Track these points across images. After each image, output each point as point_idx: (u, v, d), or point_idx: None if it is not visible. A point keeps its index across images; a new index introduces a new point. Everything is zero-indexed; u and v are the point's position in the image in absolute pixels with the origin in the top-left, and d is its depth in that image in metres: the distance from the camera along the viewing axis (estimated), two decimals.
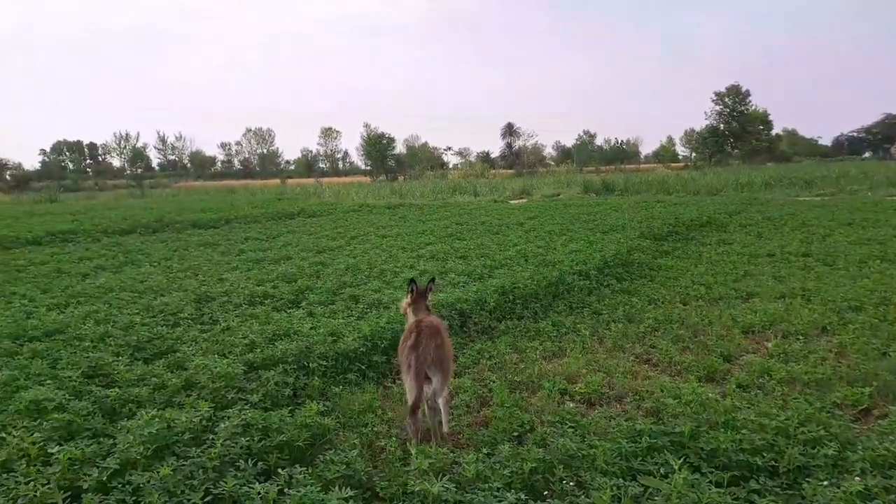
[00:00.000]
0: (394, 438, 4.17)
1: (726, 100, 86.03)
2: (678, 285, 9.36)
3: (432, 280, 5.02)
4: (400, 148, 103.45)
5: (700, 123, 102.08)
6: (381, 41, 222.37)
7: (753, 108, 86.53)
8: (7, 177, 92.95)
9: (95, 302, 8.23)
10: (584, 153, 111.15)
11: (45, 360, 5.66)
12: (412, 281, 4.90)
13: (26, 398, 4.51)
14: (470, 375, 5.69)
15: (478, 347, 6.42)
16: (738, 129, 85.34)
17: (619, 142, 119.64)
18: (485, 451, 3.94)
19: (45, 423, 4.18)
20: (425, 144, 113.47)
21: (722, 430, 4.03)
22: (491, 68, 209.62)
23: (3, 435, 3.98)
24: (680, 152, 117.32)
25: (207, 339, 6.34)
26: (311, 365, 5.53)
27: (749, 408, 4.61)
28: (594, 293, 8.92)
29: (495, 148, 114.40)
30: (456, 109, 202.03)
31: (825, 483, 3.40)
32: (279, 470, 3.55)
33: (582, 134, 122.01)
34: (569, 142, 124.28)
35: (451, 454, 3.86)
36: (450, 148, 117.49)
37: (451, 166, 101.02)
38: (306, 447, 4.04)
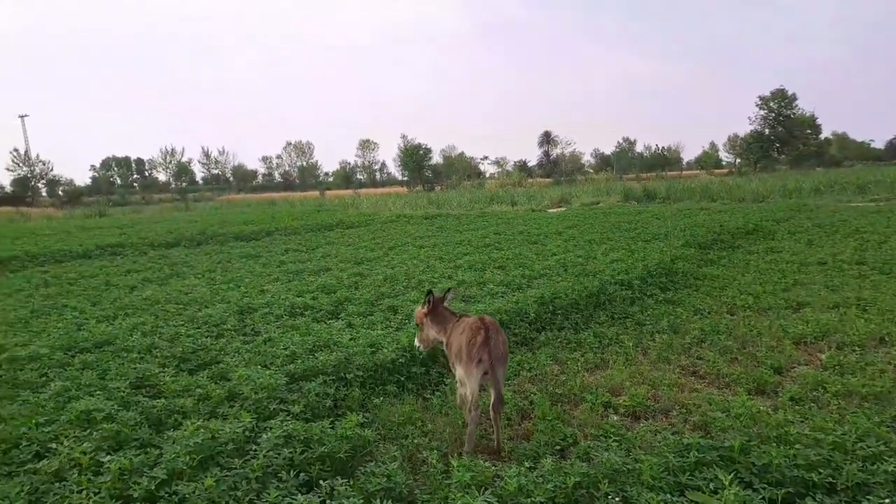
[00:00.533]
0: (435, 451, 4.14)
1: (771, 104, 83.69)
2: (724, 295, 9.10)
3: (448, 290, 5.29)
4: (436, 158, 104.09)
5: (744, 128, 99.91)
6: (418, 51, 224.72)
7: (800, 111, 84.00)
8: (60, 192, 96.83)
9: (142, 314, 8.45)
10: (623, 160, 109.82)
11: (95, 371, 5.83)
12: (429, 293, 5.09)
13: (77, 408, 4.65)
14: (510, 387, 5.62)
15: (517, 359, 6.35)
16: (785, 134, 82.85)
17: (660, 148, 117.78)
18: (527, 464, 3.87)
19: (95, 433, 4.30)
20: (462, 154, 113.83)
21: (774, 444, 3.87)
22: (528, 76, 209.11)
23: (56, 445, 4.10)
24: (724, 158, 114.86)
25: (250, 350, 6.42)
26: (350, 376, 5.55)
27: (803, 422, 4.43)
28: (637, 303, 8.74)
29: (533, 157, 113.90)
30: (493, 119, 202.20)
31: (886, 501, 3.24)
32: (321, 482, 3.56)
33: (621, 141, 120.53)
34: (608, 149, 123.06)
35: (493, 467, 3.80)
36: (486, 157, 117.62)
37: (487, 176, 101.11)
38: (347, 459, 4.04)
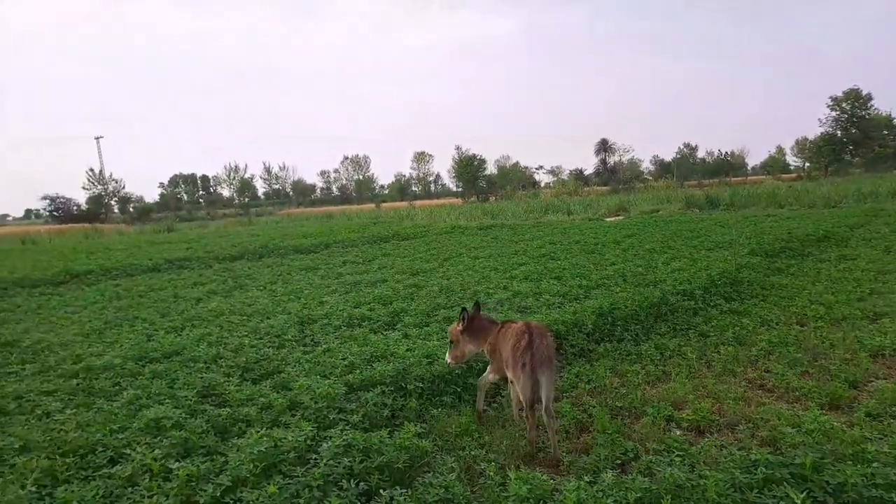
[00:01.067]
0: (492, 463, 4.12)
1: (844, 105, 79.78)
2: (794, 305, 8.71)
3: (476, 304, 5.42)
4: (491, 169, 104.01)
5: (814, 131, 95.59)
6: (473, 62, 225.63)
7: (876, 111, 79.74)
8: (130, 209, 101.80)
9: (208, 325, 8.76)
10: (684, 167, 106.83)
11: (164, 381, 6.08)
12: (464, 309, 5.26)
13: (148, 416, 4.87)
14: (568, 400, 5.54)
15: (575, 370, 6.25)
16: (859, 136, 78.77)
17: (723, 153, 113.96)
18: (586, 478, 3.80)
19: (164, 440, 4.48)
20: (516, 164, 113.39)
21: (850, 462, 3.68)
22: (585, 83, 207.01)
23: (128, 451, 4.30)
24: (791, 162, 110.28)
25: (310, 360, 6.56)
26: (408, 386, 5.60)
27: (881, 439, 4.19)
28: (700, 314, 8.47)
29: (589, 165, 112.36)
30: (548, 128, 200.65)
31: None
32: (380, 491, 3.60)
33: (682, 147, 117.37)
34: (668, 155, 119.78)
35: (552, 481, 3.75)
36: (541, 167, 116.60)
37: (542, 185, 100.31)
38: (405, 469, 4.07)
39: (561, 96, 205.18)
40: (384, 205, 78.96)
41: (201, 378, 6.04)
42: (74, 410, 5.34)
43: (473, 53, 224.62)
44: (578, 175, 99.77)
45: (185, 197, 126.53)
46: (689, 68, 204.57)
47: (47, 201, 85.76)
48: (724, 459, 3.90)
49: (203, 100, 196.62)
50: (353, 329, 8.04)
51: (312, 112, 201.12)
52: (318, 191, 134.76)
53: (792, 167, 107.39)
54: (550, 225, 26.61)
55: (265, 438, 4.27)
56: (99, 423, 4.90)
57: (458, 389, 5.81)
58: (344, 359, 6.39)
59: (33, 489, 3.73)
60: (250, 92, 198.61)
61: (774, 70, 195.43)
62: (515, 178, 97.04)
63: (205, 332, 8.13)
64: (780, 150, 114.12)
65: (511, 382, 4.79)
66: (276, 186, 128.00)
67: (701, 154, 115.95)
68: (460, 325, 5.27)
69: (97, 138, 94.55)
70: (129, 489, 3.82)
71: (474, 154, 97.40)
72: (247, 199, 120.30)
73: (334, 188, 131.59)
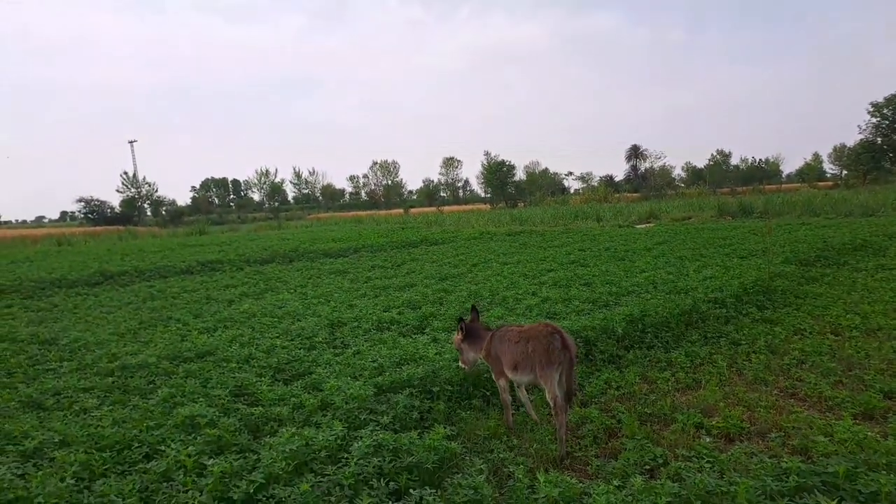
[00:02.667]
0: (521, 466, 4.14)
1: (885, 111, 77.55)
2: (828, 314, 8.52)
3: (474, 308, 5.73)
4: (520, 175, 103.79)
5: (853, 138, 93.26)
6: (503, 68, 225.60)
7: None
8: (163, 212, 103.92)
9: (240, 326, 8.93)
10: (717, 174, 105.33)
11: (198, 380, 6.23)
12: (460, 319, 5.54)
13: (182, 414, 4.99)
14: (597, 405, 5.52)
15: (605, 377, 6.22)
16: None
17: (757, 161, 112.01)
18: (615, 483, 3.79)
19: (198, 437, 4.59)
20: (546, 170, 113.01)
21: (884, 472, 3.60)
22: (616, 89, 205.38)
23: (164, 447, 4.42)
24: (828, 170, 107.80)
25: (340, 362, 6.65)
26: (436, 389, 5.64)
27: None
28: (731, 322, 8.34)
29: (619, 171, 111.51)
30: (578, 134, 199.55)
31: None
32: (410, 491, 3.64)
33: (715, 153, 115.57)
34: (700, 162, 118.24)
35: (581, 485, 3.75)
36: (571, 173, 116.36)
37: (572, 191, 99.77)
38: (434, 470, 4.11)
39: (592, 102, 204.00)
40: (412, 210, 79.33)
41: (234, 378, 6.17)
42: (111, 407, 5.50)
43: (503, 58, 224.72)
44: (609, 181, 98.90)
45: (217, 201, 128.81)
46: (724, 73, 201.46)
47: (82, 204, 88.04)
48: (755, 467, 3.85)
49: (235, 106, 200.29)
50: (382, 332, 8.12)
51: (342, 118, 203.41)
52: (347, 195, 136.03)
53: (829, 175, 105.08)
54: (580, 231, 26.44)
55: (297, 437, 4.35)
56: (135, 419, 5.05)
57: (487, 393, 5.83)
58: (374, 361, 6.47)
59: (72, 482, 3.85)
60: (282, 97, 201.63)
61: (813, 75, 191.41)
62: (544, 184, 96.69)
63: (237, 333, 8.29)
64: (817, 157, 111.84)
65: (505, 383, 5.10)
66: (306, 191, 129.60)
67: (734, 161, 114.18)
68: (459, 334, 5.52)
69: (131, 142, 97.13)
70: (165, 484, 3.93)
71: (503, 160, 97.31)
72: (276, 204, 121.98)
73: (363, 193, 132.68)
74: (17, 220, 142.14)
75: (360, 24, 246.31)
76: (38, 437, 4.62)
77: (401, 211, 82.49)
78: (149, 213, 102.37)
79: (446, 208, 78.35)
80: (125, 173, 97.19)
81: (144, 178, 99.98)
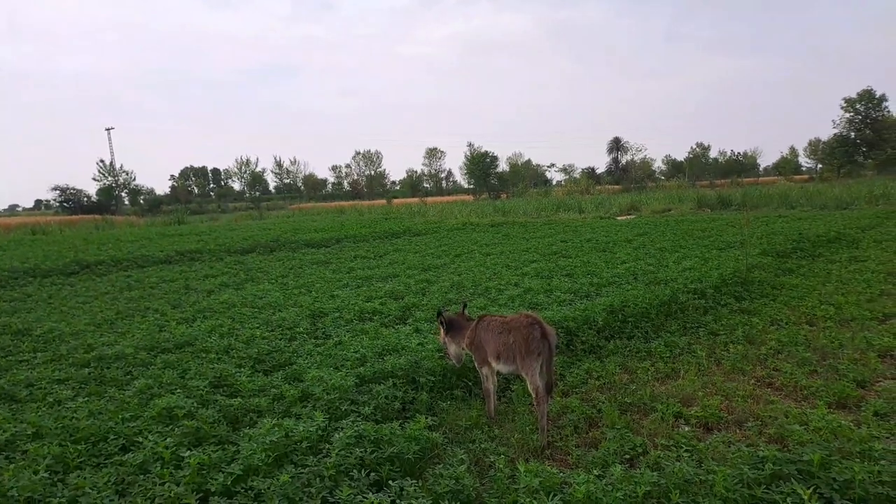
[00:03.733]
0: (502, 456, 4.15)
1: (858, 106, 78.80)
2: (804, 305, 8.67)
3: (464, 305, 5.86)
4: (503, 166, 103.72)
5: (827, 132, 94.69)
6: (486, 59, 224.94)
7: (890, 114, 78.71)
8: (141, 201, 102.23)
9: (220, 317, 8.83)
10: (696, 167, 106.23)
11: (176, 371, 6.16)
12: (439, 313, 5.58)
13: (160, 405, 4.93)
14: (577, 395, 5.55)
15: (585, 367, 6.26)
16: (872, 137, 77.80)
17: (736, 154, 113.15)
18: (595, 472, 3.82)
19: (176, 429, 4.54)
20: (528, 162, 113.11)
21: (857, 460, 3.68)
22: (598, 81, 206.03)
23: (140, 439, 4.35)
24: (804, 164, 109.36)
25: (321, 352, 6.61)
26: (419, 380, 5.63)
27: (889, 438, 4.18)
28: (710, 313, 8.45)
29: (601, 163, 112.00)
30: (560, 126, 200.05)
31: None
32: (391, 482, 3.63)
33: (694, 146, 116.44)
34: (680, 155, 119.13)
35: (561, 474, 3.77)
36: (553, 165, 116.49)
37: (554, 183, 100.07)
38: (415, 460, 4.11)
39: (574, 94, 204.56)
40: (395, 201, 78.99)
41: (213, 368, 6.10)
42: (86, 399, 5.42)
43: (487, 49, 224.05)
44: (590, 173, 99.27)
45: (196, 190, 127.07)
46: (704, 67, 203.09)
47: (57, 192, 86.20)
48: (732, 455, 3.90)
49: (216, 93, 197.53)
50: (364, 323, 8.08)
51: (324, 107, 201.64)
52: (330, 185, 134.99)
53: (804, 168, 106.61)
54: (562, 223, 26.57)
55: (277, 428, 4.32)
56: (111, 411, 4.97)
57: (469, 383, 5.84)
58: (356, 352, 6.43)
59: (46, 475, 3.78)
60: (263, 86, 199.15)
61: (789, 70, 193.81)
62: (527, 176, 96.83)
63: (216, 323, 8.20)
64: (793, 150, 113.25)
65: (488, 371, 5.13)
66: (288, 181, 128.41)
67: (713, 154, 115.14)
68: (441, 329, 5.56)
69: (108, 129, 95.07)
70: (141, 476, 3.87)
71: (486, 151, 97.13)
72: (258, 193, 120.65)
73: (345, 183, 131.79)
74: None
75: (344, 11, 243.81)
76: (10, 430, 4.53)
77: (384, 202, 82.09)
78: (126, 202, 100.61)
79: (429, 199, 78.10)
80: (101, 161, 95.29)
81: (122, 167, 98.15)
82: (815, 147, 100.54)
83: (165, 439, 4.27)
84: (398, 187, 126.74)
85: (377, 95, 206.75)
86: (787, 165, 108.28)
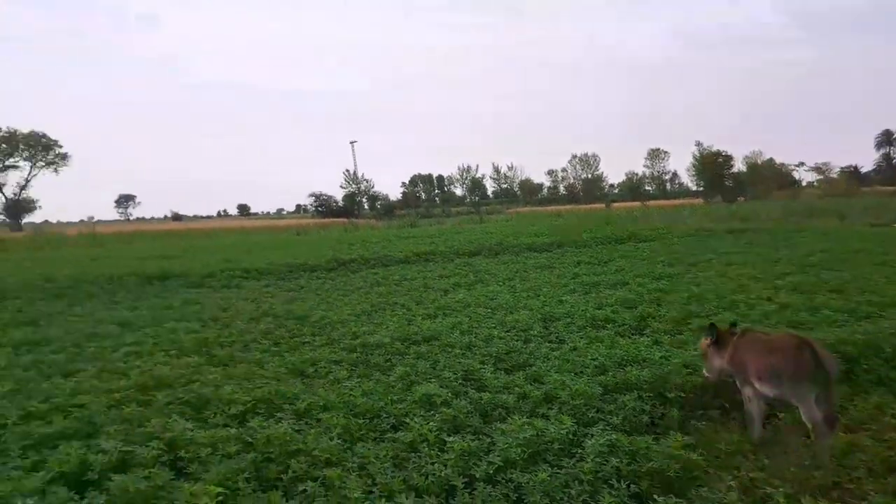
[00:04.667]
0: (780, 490, 3.74)
1: None
2: None
3: (734, 324, 5.33)
4: (738, 166, 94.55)
5: None
6: (717, 47, 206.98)
7: None
8: (378, 206, 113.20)
9: (458, 314, 9.34)
10: None
11: (427, 361, 6.66)
12: (712, 325, 5.25)
13: (419, 392, 5.38)
14: (868, 433, 4.78)
15: (874, 401, 5.34)
16: None
17: None
18: None
19: (436, 414, 4.91)
20: (770, 161, 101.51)
21: None
22: (859, 63, 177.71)
23: (407, 420, 4.79)
24: None
25: (558, 356, 6.62)
26: (668, 395, 5.36)
27: None
28: None
29: (867, 161, 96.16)
30: (810, 119, 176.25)
31: None
32: (654, 496, 3.49)
33: None
34: None
35: None
36: (802, 163, 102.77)
37: (804, 184, 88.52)
38: (676, 479, 3.90)
39: (829, 80, 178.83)
40: (615, 204, 76.70)
41: (460, 363, 6.47)
42: (359, 380, 6.10)
43: (718, 38, 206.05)
44: (853, 172, 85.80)
45: (423, 195, 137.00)
46: None
47: (313, 199, 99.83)
48: None
49: (438, 105, 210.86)
50: (597, 330, 7.92)
51: (540, 111, 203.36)
52: (545, 190, 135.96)
53: None
54: (817, 230, 23.35)
55: (528, 426, 4.43)
56: (379, 392, 5.54)
57: (725, 404, 5.39)
58: (594, 359, 6.34)
59: (339, 441, 4.36)
60: (483, 94, 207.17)
61: None
62: (769, 177, 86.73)
63: (456, 321, 8.68)
64: None
65: (751, 392, 4.70)
66: (505, 185, 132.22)
67: None
68: (708, 339, 5.19)
69: (352, 142, 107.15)
70: (413, 454, 4.26)
71: (719, 150, 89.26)
72: (476, 198, 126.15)
73: (561, 187, 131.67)
74: (262, 212, 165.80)
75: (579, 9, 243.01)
76: (306, 401, 5.29)
77: (602, 205, 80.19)
78: (366, 207, 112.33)
79: (652, 203, 74.33)
80: (347, 170, 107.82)
81: (363, 175, 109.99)
82: None
83: (428, 423, 4.66)
84: (616, 191, 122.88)
85: (597, 97, 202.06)
86: None
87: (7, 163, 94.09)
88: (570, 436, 4.37)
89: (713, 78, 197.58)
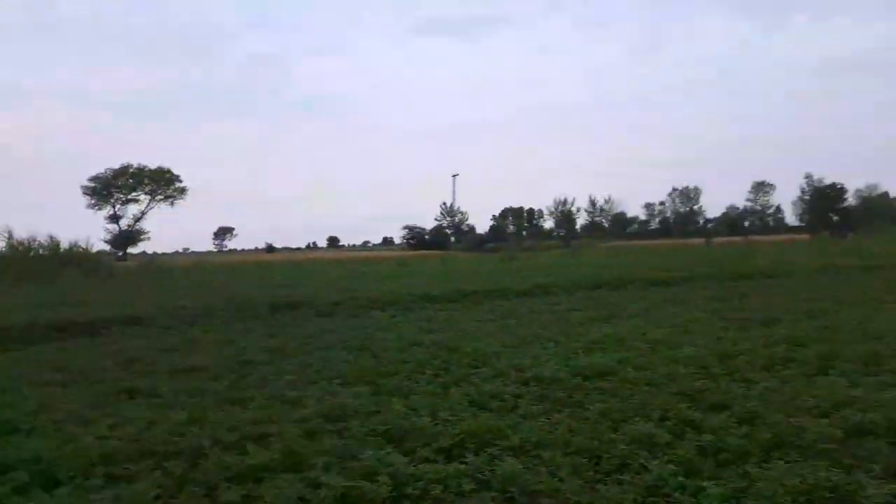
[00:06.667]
0: None
1: None
2: None
3: None
4: (850, 200, 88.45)
5: None
6: (838, 76, 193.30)
7: None
8: (467, 239, 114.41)
9: (617, 349, 8.95)
10: None
11: (616, 398, 6.34)
12: None
13: (633, 430, 5.18)
14: None
15: None
16: None
17: None
18: None
19: (664, 455, 4.63)
20: (885, 195, 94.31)
21: None
22: None
23: (630, 461, 4.57)
24: None
25: (756, 396, 6.22)
26: None
27: None
28: None
29: None
30: None
31: None
32: None
33: None
34: None
35: None
36: None
37: None
38: None
39: None
40: (716, 239, 73.31)
41: (656, 401, 6.13)
42: (562, 413, 5.91)
43: (842, 67, 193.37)
44: None
45: (512, 228, 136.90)
46: None
47: (406, 230, 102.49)
48: None
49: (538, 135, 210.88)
50: (781, 369, 7.36)
51: (641, 142, 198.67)
52: (637, 224, 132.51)
53: None
54: None
55: (789, 472, 4.06)
56: (586, 430, 5.29)
57: None
58: (805, 400, 5.84)
59: (580, 482, 4.21)
60: (580, 123, 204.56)
61: None
62: (884, 211, 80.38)
63: (620, 356, 8.30)
64: None
65: None
66: (598, 219, 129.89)
67: None
68: None
69: (454, 175, 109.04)
70: (661, 499, 4.01)
71: (833, 182, 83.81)
72: (563, 232, 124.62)
73: (655, 221, 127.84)
74: (349, 244, 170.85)
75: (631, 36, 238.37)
76: (518, 436, 5.16)
77: (697, 240, 76.87)
78: (452, 239, 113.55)
79: (754, 238, 70.46)
80: (444, 203, 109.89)
81: (459, 208, 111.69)
82: None
83: (666, 465, 4.40)
84: (710, 225, 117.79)
85: (701, 126, 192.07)
86: None
87: (129, 196, 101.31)
88: (846, 484, 3.96)
89: (827, 106, 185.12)
